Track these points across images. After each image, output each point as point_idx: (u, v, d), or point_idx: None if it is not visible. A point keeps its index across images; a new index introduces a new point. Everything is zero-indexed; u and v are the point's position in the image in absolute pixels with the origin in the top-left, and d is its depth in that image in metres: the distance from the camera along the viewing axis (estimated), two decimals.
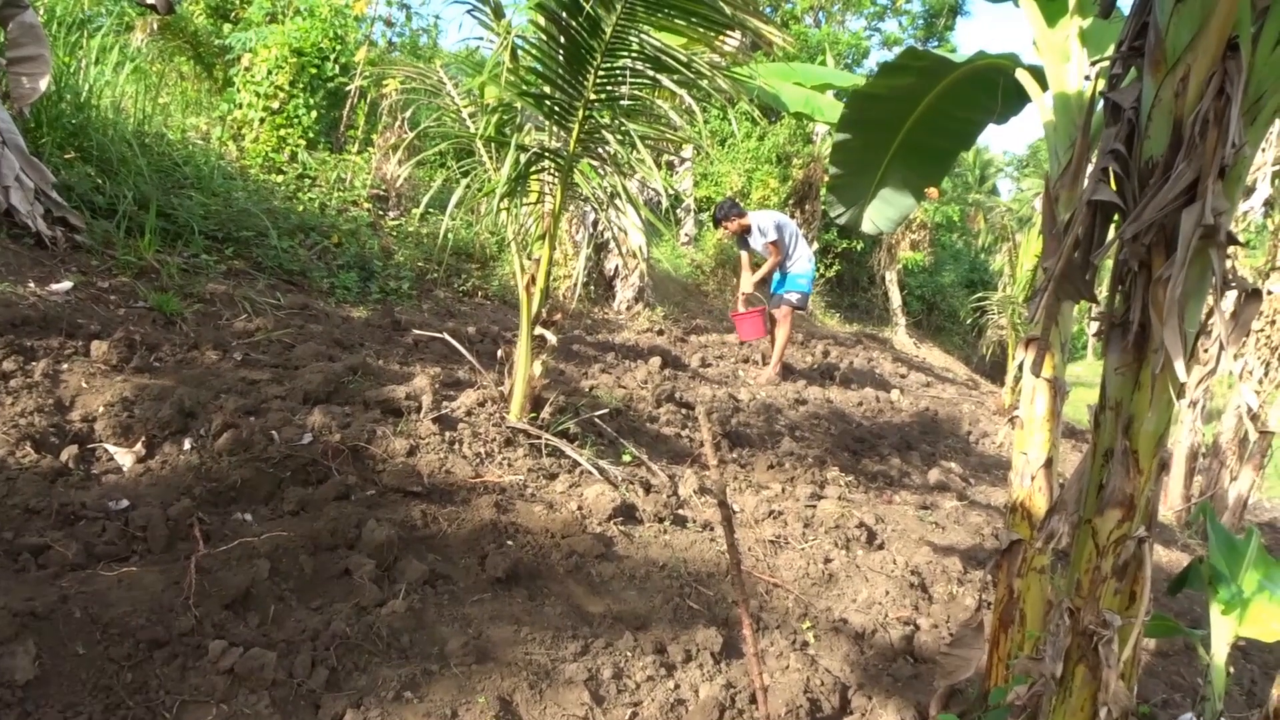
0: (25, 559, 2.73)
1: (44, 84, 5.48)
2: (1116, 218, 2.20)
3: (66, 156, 6.15)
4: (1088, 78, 3.17)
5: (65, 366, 3.92)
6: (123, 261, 5.42)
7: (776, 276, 8.76)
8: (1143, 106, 2.03)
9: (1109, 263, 2.24)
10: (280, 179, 8.50)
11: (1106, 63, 2.36)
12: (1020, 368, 3.26)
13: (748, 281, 8.73)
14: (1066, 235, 2.22)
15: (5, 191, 5.15)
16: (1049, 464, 3.07)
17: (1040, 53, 3.29)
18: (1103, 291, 2.47)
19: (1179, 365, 1.80)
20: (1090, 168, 2.91)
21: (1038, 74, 3.49)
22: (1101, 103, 2.27)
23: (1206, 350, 7.37)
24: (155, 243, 5.73)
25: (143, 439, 3.51)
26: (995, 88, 3.96)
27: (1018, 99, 3.97)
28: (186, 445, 3.57)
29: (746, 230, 8.58)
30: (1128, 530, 2.15)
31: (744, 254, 8.94)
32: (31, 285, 4.68)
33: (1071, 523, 2.35)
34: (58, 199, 5.50)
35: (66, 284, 4.86)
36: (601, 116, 4.13)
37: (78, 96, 6.62)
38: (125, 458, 3.40)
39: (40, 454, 3.26)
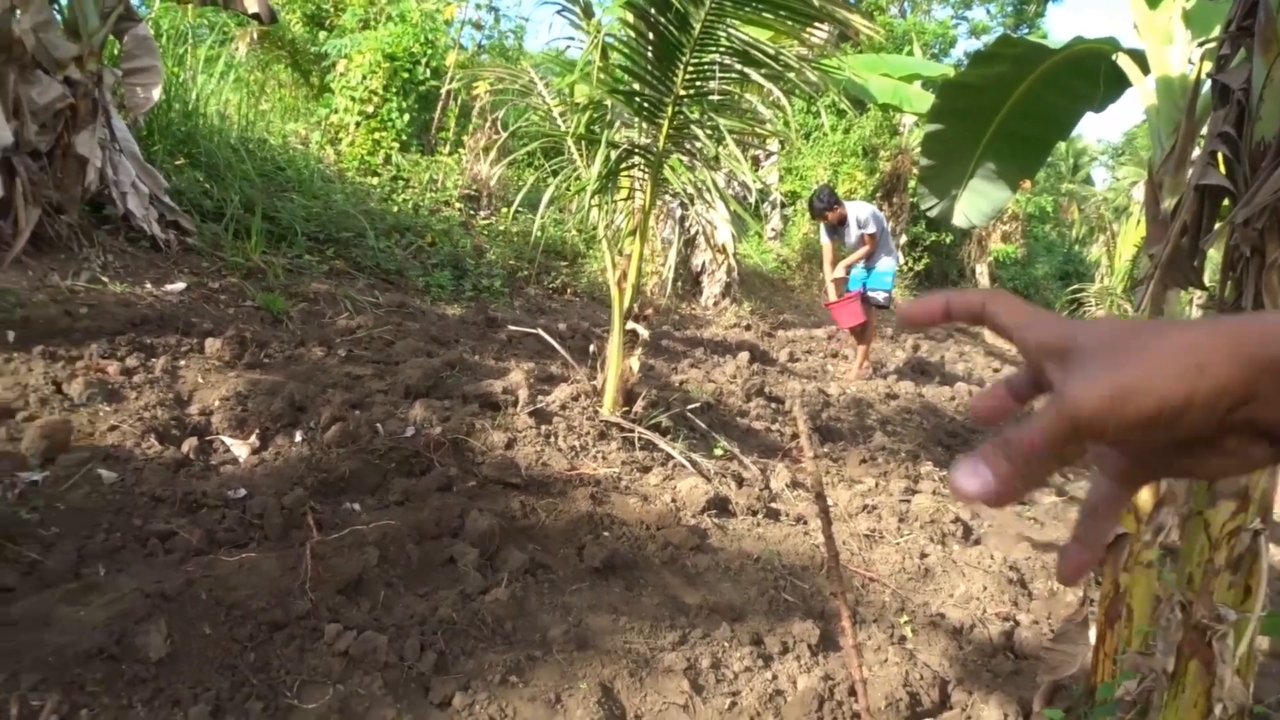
0: (154, 544, 2.89)
1: (156, 93, 5.76)
2: (1226, 202, 2.14)
3: (177, 163, 6.44)
4: (1191, 61, 3.07)
5: (183, 363, 4.12)
6: (231, 263, 5.66)
7: (860, 271, 8.55)
8: (1253, 88, 1.97)
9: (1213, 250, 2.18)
10: (375, 181, 8.75)
11: (1213, 44, 2.29)
12: None
13: (838, 269, 8.51)
14: (1173, 221, 2.17)
15: (123, 197, 5.44)
16: None
17: (1142, 36, 3.20)
18: (1210, 279, 2.40)
19: None
20: (1196, 152, 2.83)
21: (1139, 58, 3.39)
22: (1208, 85, 2.21)
23: None
24: (261, 244, 5.97)
25: (257, 431, 3.67)
26: (1093, 74, 3.85)
27: (1117, 85, 3.86)
28: (297, 437, 3.72)
29: (843, 220, 8.38)
30: (1242, 522, 2.09)
31: (827, 244, 8.75)
32: (148, 286, 4.92)
33: (1182, 515, 2.30)
34: (170, 203, 5.77)
35: (180, 284, 5.10)
36: (690, 112, 4.15)
37: (186, 105, 6.93)
38: (241, 449, 3.56)
39: (164, 445, 3.44)
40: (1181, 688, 2.19)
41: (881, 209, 14.88)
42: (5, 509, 2.78)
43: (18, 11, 4.85)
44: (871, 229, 8.22)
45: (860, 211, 8.30)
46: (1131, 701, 2.42)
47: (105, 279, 4.81)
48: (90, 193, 5.30)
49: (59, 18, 5.23)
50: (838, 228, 8.42)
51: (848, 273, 8.46)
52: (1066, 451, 0.52)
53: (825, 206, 8.21)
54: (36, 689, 2.10)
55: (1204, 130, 2.87)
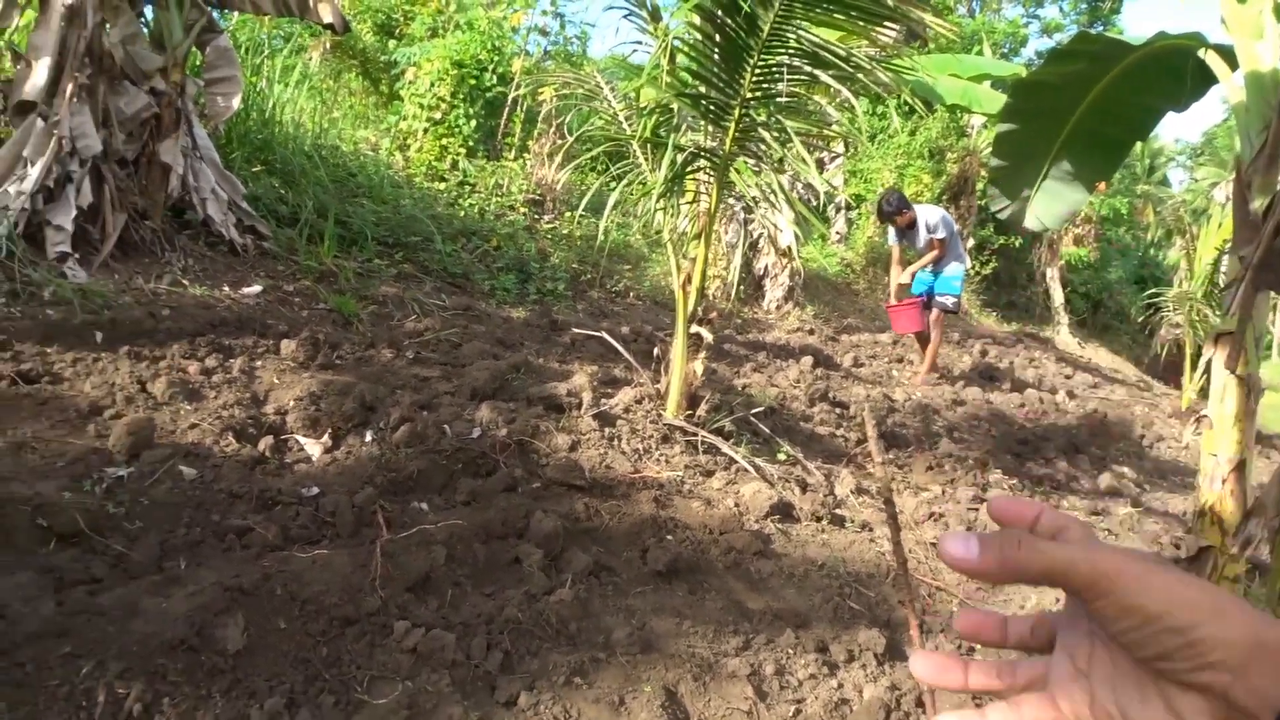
0: (231, 539, 2.97)
1: (236, 102, 5.93)
2: None
3: (254, 170, 6.63)
4: None
5: (259, 363, 4.24)
6: (305, 266, 5.80)
7: (928, 275, 8.43)
8: None
9: None
10: (442, 186, 8.89)
11: None
12: (1206, 366, 3.09)
13: (905, 273, 8.41)
14: (1265, 222, 2.10)
15: (203, 203, 5.61)
16: (1241, 466, 2.89)
17: (1230, 30, 3.11)
18: None
19: None
20: None
21: (1226, 54, 3.29)
22: None
23: None
24: (333, 248, 6.11)
25: (329, 431, 3.75)
26: (1177, 71, 3.75)
27: (1202, 82, 3.75)
28: (368, 437, 3.79)
29: (912, 224, 8.27)
30: None
31: (895, 248, 8.64)
32: (226, 289, 5.07)
33: (1272, 528, 2.22)
34: (247, 209, 5.94)
35: (257, 287, 5.24)
36: (758, 114, 4.14)
37: (263, 113, 7.12)
38: (314, 448, 3.65)
39: (240, 443, 3.54)
40: None
41: (949, 212, 14.67)
42: (94, 503, 2.88)
43: (108, 25, 5.04)
44: (941, 234, 8.10)
45: (930, 216, 8.18)
46: None
47: (186, 282, 4.96)
48: (173, 199, 5.48)
49: (145, 30, 5.42)
50: (906, 231, 8.31)
51: (912, 278, 8.36)
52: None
53: (894, 210, 8.09)
54: (122, 676, 2.18)
55: None
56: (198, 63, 6.03)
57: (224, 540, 2.96)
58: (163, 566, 2.73)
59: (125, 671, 2.19)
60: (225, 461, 3.36)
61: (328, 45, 11.07)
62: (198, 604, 2.48)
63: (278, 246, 5.95)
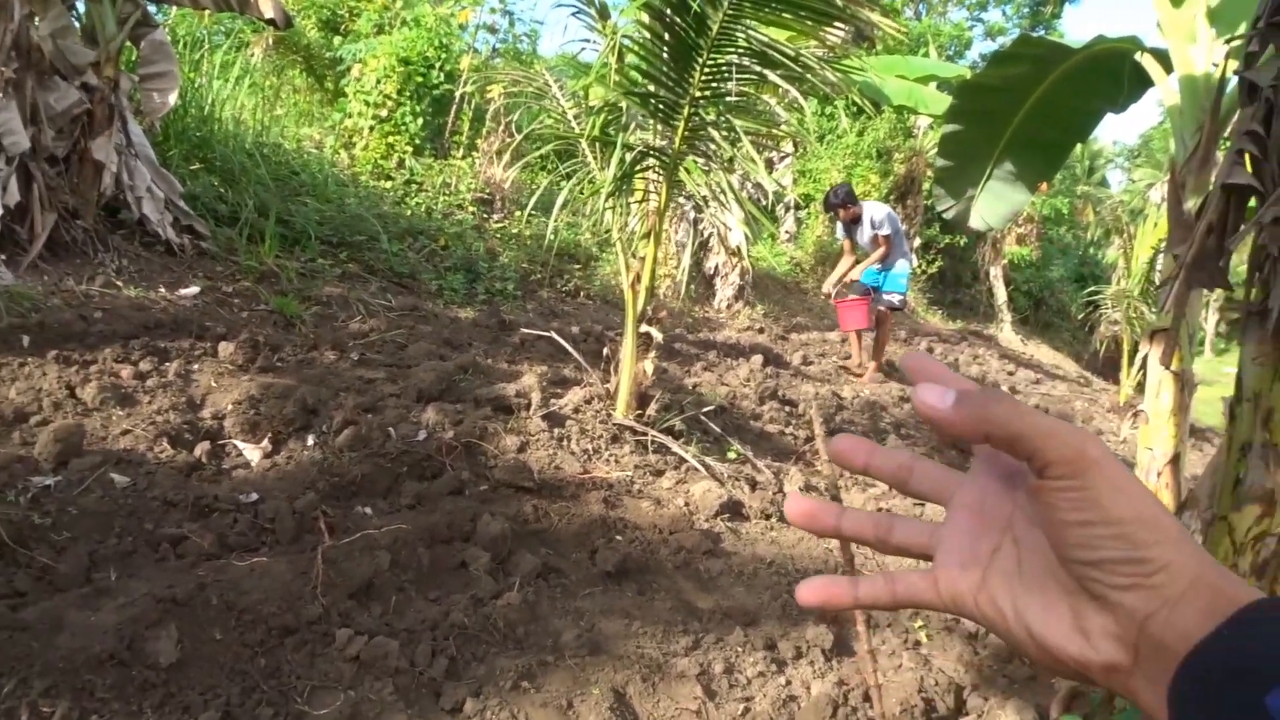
0: (165, 548, 2.88)
1: (173, 99, 5.78)
2: (1253, 201, 2.10)
3: (192, 167, 6.47)
4: (1216, 61, 3.03)
5: (196, 366, 4.12)
6: (245, 266, 5.67)
7: (876, 271, 8.49)
8: None
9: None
10: (389, 185, 8.77)
11: (1239, 41, 2.25)
12: (1141, 362, 3.14)
13: (854, 272, 8.47)
14: (1199, 221, 2.13)
15: (138, 202, 5.45)
16: (1176, 460, 2.95)
17: (1165, 34, 3.16)
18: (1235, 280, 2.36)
19: None
20: (1220, 152, 2.78)
21: (1161, 57, 3.35)
22: (1234, 83, 2.17)
23: None
24: (275, 248, 5.98)
25: (269, 435, 3.66)
26: (1114, 74, 3.81)
27: (1139, 85, 3.82)
28: (310, 441, 3.71)
29: (857, 219, 8.34)
30: (1267, 527, 2.05)
31: (845, 241, 8.72)
32: (162, 290, 4.94)
33: (1205, 520, 2.26)
34: (185, 208, 5.79)
35: (194, 289, 5.11)
36: (707, 113, 4.13)
37: (201, 110, 6.96)
38: (253, 453, 3.56)
39: (176, 449, 3.44)
40: None
41: (896, 211, 14.83)
42: (18, 514, 2.77)
43: (36, 18, 4.88)
44: (886, 230, 8.17)
45: (876, 212, 8.26)
46: None
47: (120, 283, 4.82)
48: (106, 198, 5.31)
49: (77, 24, 5.25)
50: (851, 226, 8.37)
51: (848, 280, 8.44)
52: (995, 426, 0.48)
53: (840, 203, 8.17)
54: (47, 694, 2.10)
55: (1228, 130, 2.84)
56: (133, 58, 5.86)
57: (157, 550, 2.87)
58: (91, 578, 2.64)
59: (50, 689, 2.11)
60: (159, 468, 3.26)
61: (270, 41, 10.85)
62: (128, 616, 2.40)
63: (217, 246, 5.81)
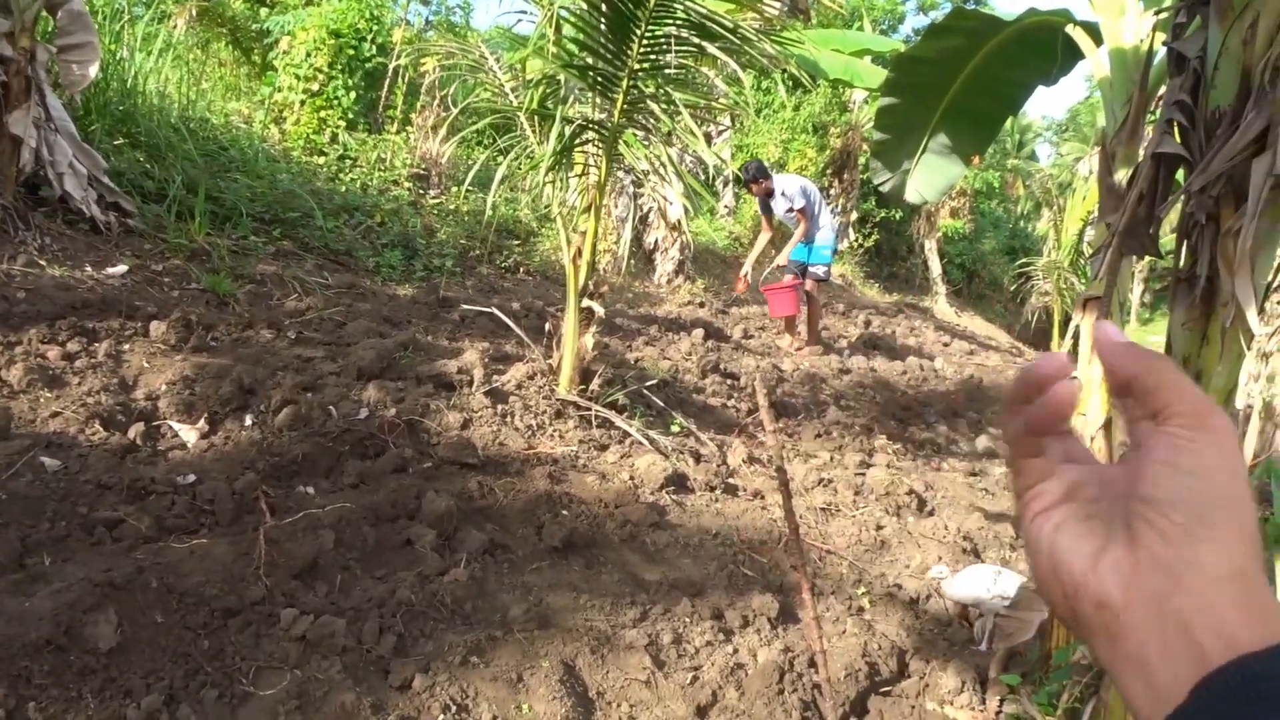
0: (101, 532, 2.81)
1: (93, 71, 5.57)
2: (1181, 171, 2.17)
3: (116, 143, 6.25)
4: (1143, 33, 3.11)
5: (126, 347, 4.01)
6: (174, 244, 5.52)
7: (801, 249, 8.52)
8: (1209, 56, 1.99)
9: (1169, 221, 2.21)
10: (322, 160, 8.59)
11: (1167, 14, 2.31)
12: (1074, 331, 3.22)
13: (782, 254, 8.49)
14: (1130, 190, 2.20)
15: (60, 178, 5.26)
16: (1108, 425, 3.04)
17: (1095, 7, 3.23)
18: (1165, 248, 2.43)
19: (1252, 316, 1.78)
20: (1150, 123, 2.86)
21: (1091, 30, 3.42)
22: (1163, 54, 2.23)
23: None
24: (205, 226, 5.82)
25: (205, 416, 3.59)
26: (1045, 47, 3.88)
27: (1070, 57, 3.89)
28: (247, 421, 3.64)
29: (770, 193, 8.33)
30: None
31: (764, 218, 8.72)
32: (89, 269, 4.78)
33: None
34: (110, 184, 5.60)
35: (122, 268, 4.96)
36: (646, 86, 4.11)
37: (124, 84, 6.72)
38: (189, 434, 3.48)
39: (109, 431, 3.35)
40: None
41: (832, 186, 14.96)
42: None
43: None
44: (799, 203, 8.14)
45: (788, 185, 8.22)
46: (1087, 665, 2.47)
47: (43, 263, 4.66)
48: (25, 174, 5.11)
49: None
50: (766, 201, 8.38)
51: (787, 259, 8.45)
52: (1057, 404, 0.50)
53: (751, 178, 8.14)
54: None
55: (1156, 101, 2.92)
56: (49, 28, 5.63)
57: (92, 534, 2.80)
58: (24, 564, 2.57)
59: None
60: (92, 451, 3.17)
61: (194, 12, 10.51)
62: (64, 601, 2.34)
63: (144, 224, 5.64)
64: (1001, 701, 2.99)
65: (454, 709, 2.46)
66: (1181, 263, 2.05)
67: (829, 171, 15.00)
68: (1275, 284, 2.05)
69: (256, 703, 2.33)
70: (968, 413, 7.49)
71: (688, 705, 2.72)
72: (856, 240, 15.85)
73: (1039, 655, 3.12)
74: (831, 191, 15.03)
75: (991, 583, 3.39)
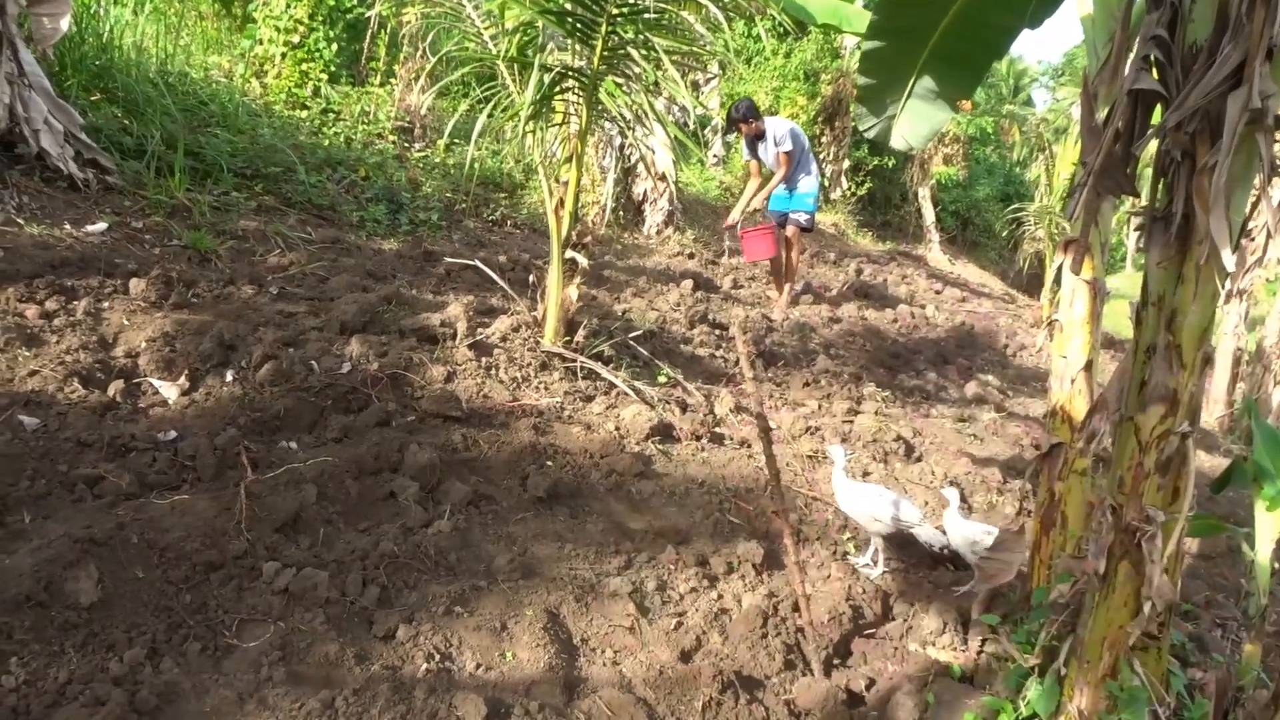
0: (81, 489, 2.81)
1: (65, 24, 5.46)
2: (1159, 108, 2.13)
3: (93, 98, 6.15)
4: None
5: (106, 305, 3.98)
6: (154, 201, 5.45)
7: (783, 192, 8.35)
8: None
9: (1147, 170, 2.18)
10: (304, 114, 8.46)
11: None
12: (1059, 273, 3.20)
13: (758, 197, 8.31)
14: (1107, 128, 2.16)
15: (35, 135, 5.18)
16: (1089, 367, 3.04)
17: None
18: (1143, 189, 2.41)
19: (1226, 254, 1.77)
20: (1131, 59, 2.81)
21: None
22: None
23: (1254, 239, 7.20)
24: (185, 181, 5.75)
25: (186, 372, 3.57)
26: None
27: None
28: (229, 377, 3.63)
29: (760, 135, 8.16)
30: (1170, 425, 2.13)
31: (752, 163, 8.56)
32: (67, 227, 4.73)
33: (1113, 421, 2.34)
34: (87, 141, 5.52)
35: (101, 225, 4.90)
36: (625, 32, 4.04)
37: (100, 38, 6.59)
38: (170, 390, 3.47)
39: (88, 389, 3.33)
40: (1112, 588, 2.25)
41: (823, 134, 14.80)
42: None
43: None
44: (787, 146, 7.97)
45: (778, 128, 8.06)
46: (1065, 604, 2.50)
47: (20, 221, 4.60)
48: (0, 130, 5.04)
49: None
50: (755, 143, 8.22)
51: (766, 202, 8.31)
52: None
53: (741, 117, 7.93)
54: None
55: (1137, 39, 2.87)
56: None
57: (73, 491, 2.80)
58: (4, 521, 2.57)
59: None
60: (71, 409, 3.16)
61: None
62: (45, 558, 2.35)
63: (123, 181, 5.56)
64: (983, 641, 3.02)
65: (438, 657, 2.48)
66: (1157, 201, 2.03)
67: (820, 119, 14.82)
68: (1252, 223, 2.03)
69: (240, 654, 2.34)
70: (957, 360, 7.49)
71: (672, 650, 2.75)
72: (849, 188, 15.72)
73: (1020, 595, 3.15)
74: (823, 139, 14.88)
75: (892, 507, 3.43)
